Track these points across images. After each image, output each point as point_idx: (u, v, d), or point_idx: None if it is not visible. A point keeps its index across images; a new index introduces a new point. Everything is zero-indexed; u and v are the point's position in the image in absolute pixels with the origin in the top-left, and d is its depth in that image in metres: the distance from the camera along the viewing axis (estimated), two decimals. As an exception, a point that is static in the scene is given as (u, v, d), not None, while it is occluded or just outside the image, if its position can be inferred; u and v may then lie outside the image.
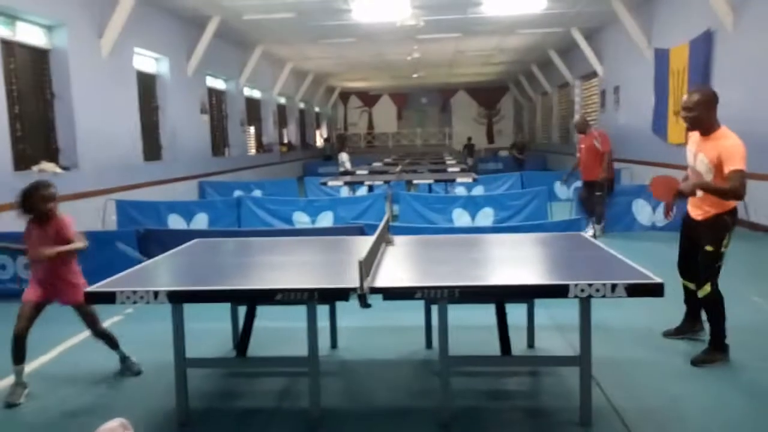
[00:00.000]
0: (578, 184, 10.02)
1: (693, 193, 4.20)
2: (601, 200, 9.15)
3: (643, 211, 9.46)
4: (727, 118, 4.33)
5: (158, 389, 4.04)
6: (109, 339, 4.33)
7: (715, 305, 4.22)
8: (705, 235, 4.24)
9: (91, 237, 6.68)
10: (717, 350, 4.25)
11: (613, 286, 3.08)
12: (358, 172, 14.34)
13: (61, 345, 4.48)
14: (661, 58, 12.27)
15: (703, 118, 4.17)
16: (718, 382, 3.97)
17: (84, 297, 3.43)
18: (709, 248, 4.19)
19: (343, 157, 16.31)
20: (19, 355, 4.03)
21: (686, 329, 4.70)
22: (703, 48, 10.45)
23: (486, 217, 9.52)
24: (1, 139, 7.94)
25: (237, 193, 12.76)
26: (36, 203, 4.02)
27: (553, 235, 5.11)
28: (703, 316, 4.47)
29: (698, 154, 4.24)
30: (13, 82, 8.61)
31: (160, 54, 12.85)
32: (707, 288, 4.20)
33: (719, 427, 3.41)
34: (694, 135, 4.35)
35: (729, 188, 4.02)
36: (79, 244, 4.08)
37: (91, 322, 4.22)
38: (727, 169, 4.01)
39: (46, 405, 3.91)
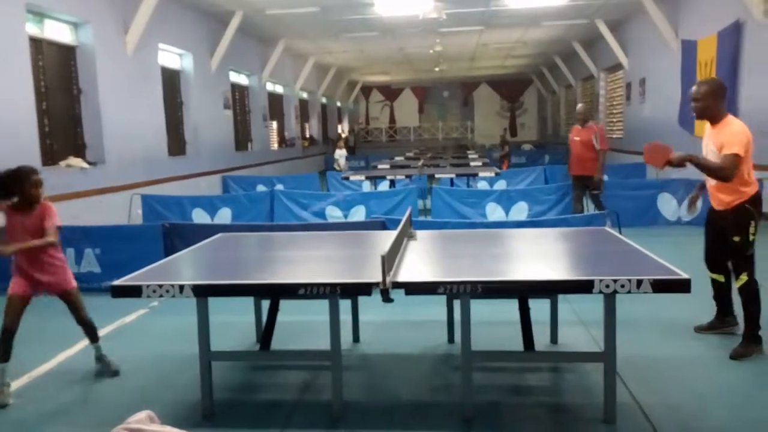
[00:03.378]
0: None
1: (682, 164, 4.19)
2: (597, 199, 8.70)
3: (668, 206, 9.33)
4: (755, 110, 4.26)
5: (183, 382, 4.10)
6: (91, 328, 4.24)
7: (752, 294, 4.20)
8: (730, 226, 4.24)
9: (117, 232, 6.93)
10: (752, 342, 4.22)
11: (639, 282, 3.04)
12: (380, 166, 14.34)
13: (84, 340, 4.53)
14: (689, 49, 12.05)
15: (710, 107, 4.23)
16: (745, 379, 3.91)
17: (111, 291, 3.40)
18: (736, 239, 4.20)
19: (338, 153, 16.48)
20: (5, 353, 3.91)
21: (717, 325, 4.66)
22: (731, 39, 10.23)
23: (520, 211, 9.39)
24: (30, 135, 8.08)
25: (260, 187, 12.86)
26: (28, 188, 3.89)
27: (576, 230, 5.08)
28: (737, 309, 4.42)
29: (708, 143, 4.29)
30: (42, 79, 8.75)
31: (184, 50, 12.96)
32: (744, 278, 4.20)
33: (744, 424, 3.36)
34: (707, 126, 4.39)
35: (717, 166, 4.06)
36: (48, 239, 3.90)
37: (77, 309, 4.14)
38: (724, 152, 4.05)
39: (70, 398, 3.98)
